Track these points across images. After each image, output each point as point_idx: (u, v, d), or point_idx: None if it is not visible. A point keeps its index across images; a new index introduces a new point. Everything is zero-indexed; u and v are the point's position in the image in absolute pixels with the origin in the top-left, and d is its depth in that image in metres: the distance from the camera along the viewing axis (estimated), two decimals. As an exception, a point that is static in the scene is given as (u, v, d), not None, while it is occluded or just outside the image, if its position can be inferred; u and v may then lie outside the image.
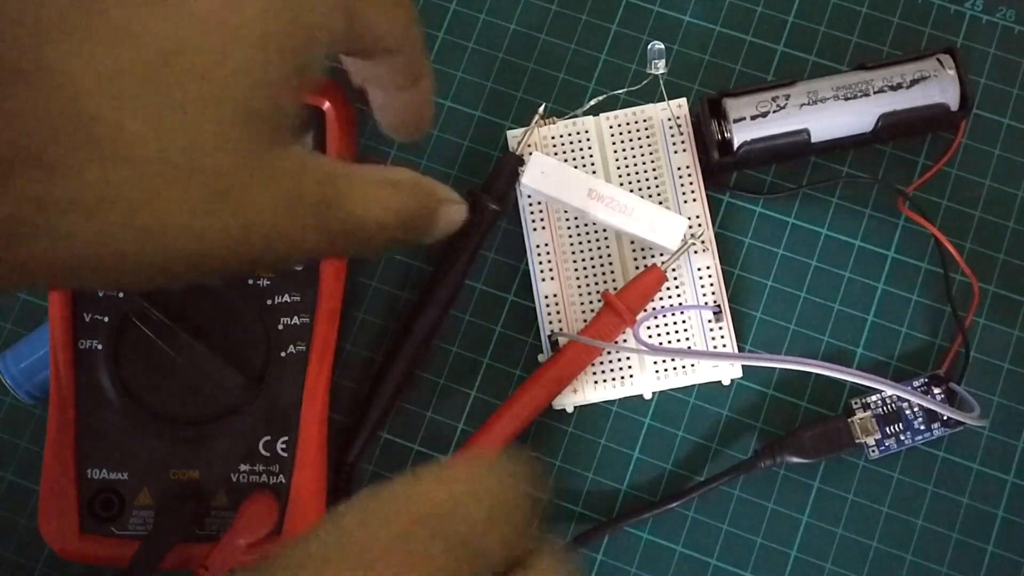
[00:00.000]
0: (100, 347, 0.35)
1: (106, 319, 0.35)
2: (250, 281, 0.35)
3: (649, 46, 0.38)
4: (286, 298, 0.35)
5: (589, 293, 0.38)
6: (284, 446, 0.35)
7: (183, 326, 0.34)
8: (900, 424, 0.37)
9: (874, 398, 0.37)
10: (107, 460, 0.35)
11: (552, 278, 0.38)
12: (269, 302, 0.35)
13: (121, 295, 0.35)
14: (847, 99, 0.37)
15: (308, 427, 0.35)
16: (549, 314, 0.38)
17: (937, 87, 0.37)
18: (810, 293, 0.39)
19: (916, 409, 0.37)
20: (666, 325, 0.38)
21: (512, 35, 0.41)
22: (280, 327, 0.35)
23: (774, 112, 0.37)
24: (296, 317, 0.35)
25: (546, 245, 0.38)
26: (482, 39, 0.41)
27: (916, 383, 0.37)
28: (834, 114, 0.37)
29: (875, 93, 0.37)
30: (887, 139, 0.39)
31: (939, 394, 0.37)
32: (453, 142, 0.40)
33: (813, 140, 0.38)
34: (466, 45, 0.41)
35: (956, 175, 0.39)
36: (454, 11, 0.42)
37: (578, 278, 0.38)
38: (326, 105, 0.36)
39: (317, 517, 0.35)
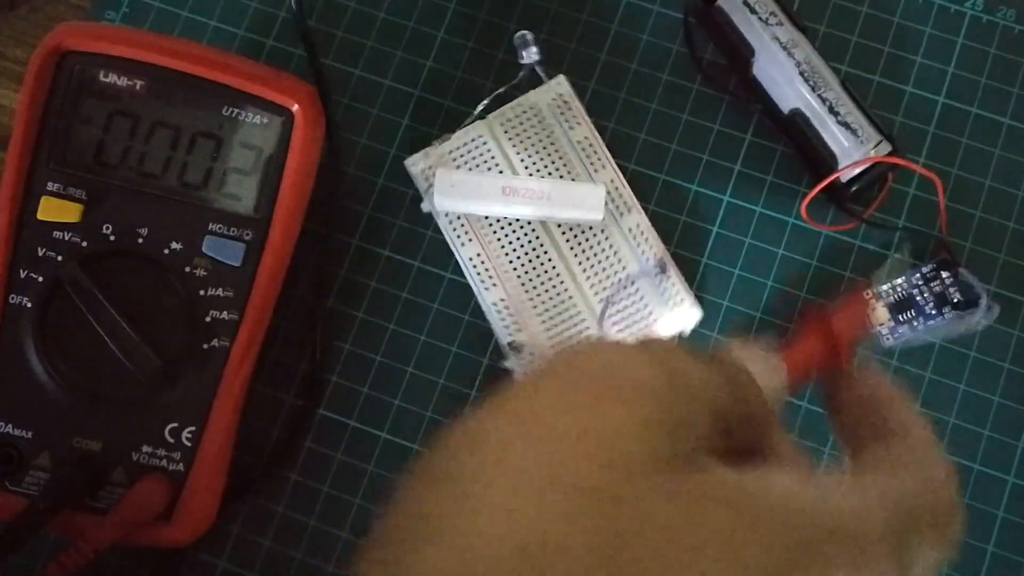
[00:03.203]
0: (29, 305, 0.35)
1: (40, 279, 0.35)
2: (187, 268, 0.35)
3: (516, 36, 0.38)
4: (219, 292, 0.35)
5: (535, 288, 0.38)
6: (190, 436, 0.35)
7: (113, 302, 0.34)
8: (912, 311, 0.37)
9: (885, 287, 0.38)
10: (14, 416, 0.35)
11: (495, 285, 0.38)
12: (202, 292, 0.35)
13: (60, 258, 0.35)
14: (801, 75, 0.38)
15: (216, 423, 0.35)
16: (503, 319, 0.38)
17: (851, 144, 0.37)
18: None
19: (927, 295, 0.37)
20: (622, 300, 0.38)
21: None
22: (208, 319, 0.35)
23: (761, 20, 0.38)
24: (225, 312, 0.35)
25: (479, 255, 0.38)
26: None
27: (925, 268, 0.38)
28: (782, 71, 0.38)
29: (816, 95, 0.37)
30: (789, 135, 0.39)
31: (948, 277, 0.37)
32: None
33: (753, 69, 0.38)
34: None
35: (956, 175, 0.39)
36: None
37: (519, 276, 0.38)
38: (295, 107, 0.36)
39: (210, 508, 0.35)
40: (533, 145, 0.39)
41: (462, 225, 0.39)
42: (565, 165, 0.39)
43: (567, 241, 0.38)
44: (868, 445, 0.23)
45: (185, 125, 0.36)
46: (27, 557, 0.37)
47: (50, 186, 0.35)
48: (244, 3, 0.42)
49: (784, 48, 0.38)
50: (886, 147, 0.37)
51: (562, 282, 0.38)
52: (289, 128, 0.36)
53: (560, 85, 0.40)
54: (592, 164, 0.39)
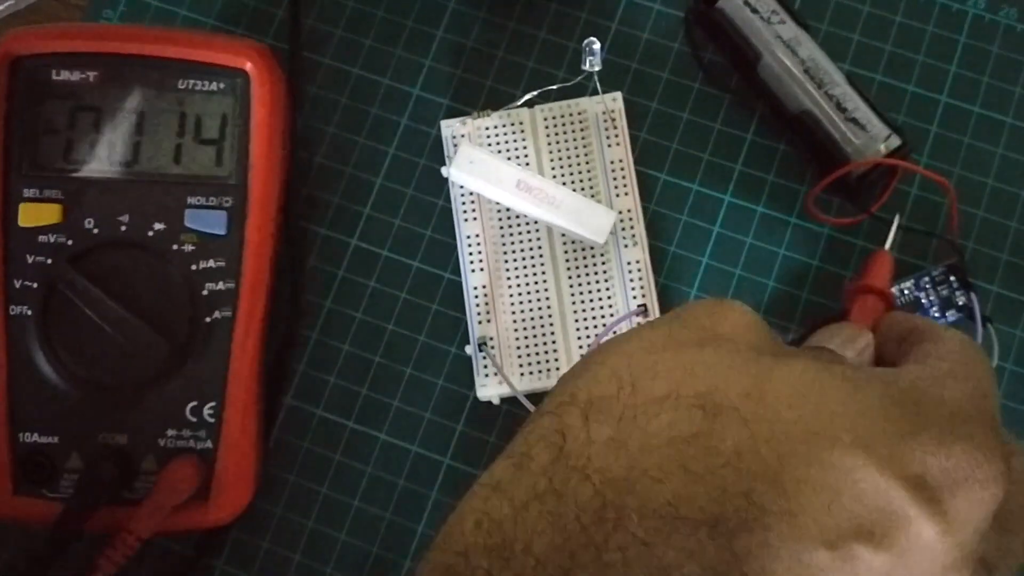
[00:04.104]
0: (30, 313, 0.35)
1: (35, 285, 0.35)
2: (175, 247, 0.35)
3: (585, 43, 0.38)
4: (211, 263, 0.35)
5: (519, 286, 0.38)
6: (211, 412, 0.35)
7: (110, 293, 0.35)
8: (918, 313, 0.37)
9: (893, 290, 0.37)
10: (38, 424, 0.35)
11: (482, 269, 0.38)
12: (193, 267, 0.35)
13: (49, 261, 0.35)
14: (806, 72, 0.37)
15: (235, 393, 0.35)
16: (478, 305, 0.38)
17: (861, 140, 0.37)
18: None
19: (933, 298, 0.37)
20: (596, 328, 0.37)
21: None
22: (205, 292, 0.35)
23: (764, 19, 0.38)
24: (221, 282, 0.35)
25: (476, 236, 0.38)
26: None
27: (935, 272, 0.37)
28: (786, 70, 0.38)
29: (822, 92, 0.37)
30: (797, 134, 0.38)
31: (955, 281, 0.37)
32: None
33: (758, 69, 0.38)
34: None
35: (959, 174, 0.39)
36: None
37: (507, 271, 0.38)
38: (248, 66, 0.36)
39: (246, 482, 0.36)
40: (567, 150, 0.39)
41: (472, 202, 0.39)
42: (590, 180, 0.39)
43: (566, 254, 0.38)
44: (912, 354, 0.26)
45: (146, 107, 0.36)
46: (77, 560, 0.36)
47: (26, 192, 0.36)
48: (242, 1, 0.42)
49: (787, 46, 0.38)
50: (896, 140, 0.37)
51: (547, 290, 0.38)
52: (247, 88, 0.36)
53: (615, 101, 0.39)
54: (616, 188, 0.39)
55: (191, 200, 0.36)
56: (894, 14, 0.41)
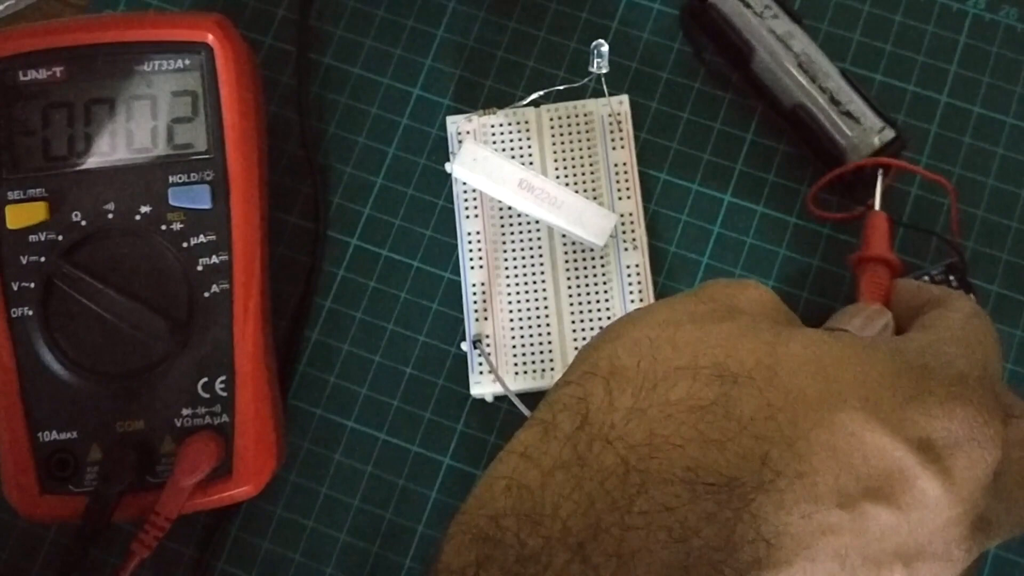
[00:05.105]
0: (31, 313, 0.35)
1: (33, 285, 0.35)
2: (163, 227, 0.36)
3: (594, 45, 0.38)
4: (201, 238, 0.36)
5: (517, 286, 0.38)
6: (223, 385, 0.35)
7: (107, 282, 0.35)
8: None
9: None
10: (55, 422, 0.35)
11: (481, 266, 0.38)
12: (185, 245, 0.36)
13: (43, 259, 0.35)
14: (800, 66, 0.37)
15: (243, 364, 0.35)
16: (475, 302, 0.38)
17: (855, 133, 0.37)
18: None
19: None
20: (592, 330, 0.38)
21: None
22: (199, 268, 0.35)
23: (757, 14, 0.38)
24: (214, 256, 0.36)
25: (477, 233, 0.38)
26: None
27: (934, 271, 0.37)
28: (780, 64, 0.38)
29: (816, 85, 0.37)
30: (794, 129, 0.38)
31: (953, 282, 0.37)
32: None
33: (752, 64, 0.38)
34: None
35: (959, 174, 0.39)
36: None
37: (507, 270, 0.38)
38: (209, 37, 0.36)
39: (267, 452, 0.36)
40: (571, 151, 0.39)
41: (475, 199, 0.39)
42: (593, 182, 0.39)
43: (565, 255, 0.38)
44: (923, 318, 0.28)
45: (116, 94, 0.36)
46: (108, 552, 0.37)
47: (10, 195, 0.36)
48: (242, 0, 0.42)
49: (781, 41, 0.38)
50: (890, 133, 0.37)
51: (545, 291, 0.38)
52: (211, 59, 0.36)
53: (621, 104, 0.39)
54: (619, 191, 0.39)
55: (173, 179, 0.36)
56: (894, 14, 0.41)
